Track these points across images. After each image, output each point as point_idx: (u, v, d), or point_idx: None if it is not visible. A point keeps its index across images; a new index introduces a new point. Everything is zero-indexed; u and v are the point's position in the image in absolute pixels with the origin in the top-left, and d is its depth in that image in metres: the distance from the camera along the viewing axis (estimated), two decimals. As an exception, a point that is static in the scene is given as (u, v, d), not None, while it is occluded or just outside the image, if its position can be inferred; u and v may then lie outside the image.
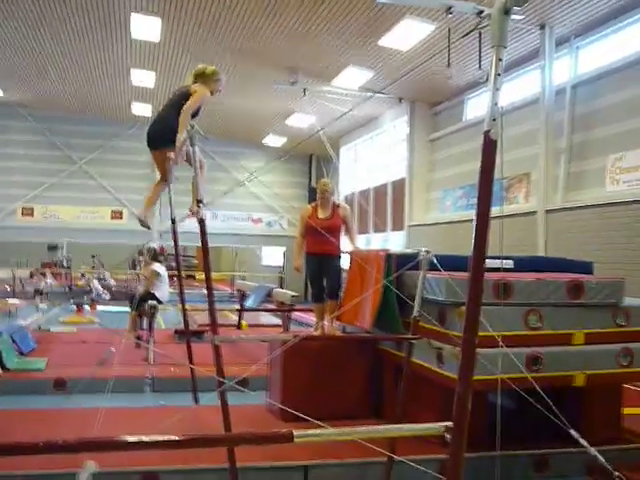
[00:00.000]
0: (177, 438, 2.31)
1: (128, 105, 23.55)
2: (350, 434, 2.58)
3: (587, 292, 5.85)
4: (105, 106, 24.26)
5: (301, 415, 3.52)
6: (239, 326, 14.10)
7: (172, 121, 5.19)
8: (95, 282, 23.31)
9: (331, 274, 7.41)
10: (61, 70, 19.72)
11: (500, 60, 2.39)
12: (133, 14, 14.71)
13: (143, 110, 23.85)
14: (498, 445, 3.61)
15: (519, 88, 14.70)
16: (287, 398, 6.60)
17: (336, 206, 7.45)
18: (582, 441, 4.44)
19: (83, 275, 25.82)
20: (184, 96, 5.44)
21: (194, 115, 5.35)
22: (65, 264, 33.00)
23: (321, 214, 7.36)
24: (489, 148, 2.43)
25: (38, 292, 19.58)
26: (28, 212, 26.26)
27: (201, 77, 5.67)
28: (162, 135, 5.36)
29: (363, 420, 6.47)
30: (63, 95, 22.96)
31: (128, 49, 17.36)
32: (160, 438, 2.34)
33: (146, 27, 15.36)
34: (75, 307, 18.43)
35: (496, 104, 2.41)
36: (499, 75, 2.42)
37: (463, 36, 11.03)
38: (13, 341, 10.23)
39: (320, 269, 7.44)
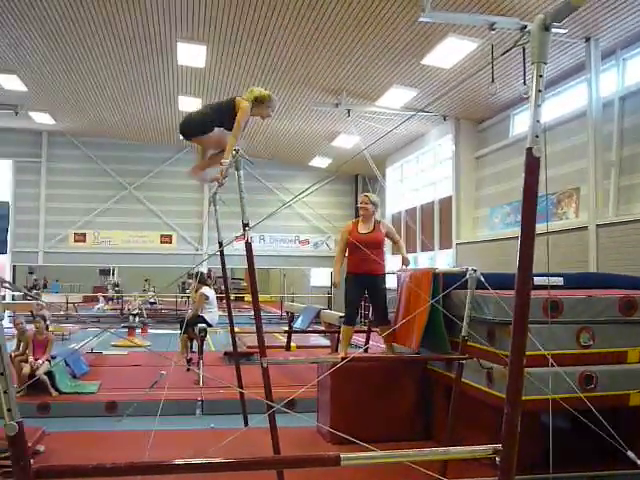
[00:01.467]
0: (224, 461, 2.32)
1: (175, 131, 23.92)
2: (398, 457, 2.56)
3: (640, 309, 5.72)
4: (153, 132, 24.75)
5: (350, 438, 3.49)
6: (288, 348, 14.11)
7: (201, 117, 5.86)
8: (139, 306, 23.63)
9: (378, 296, 7.12)
10: (111, 98, 20.20)
11: (541, 76, 2.37)
12: (179, 43, 15.01)
13: (190, 135, 24.21)
14: (551, 466, 3.53)
15: (566, 102, 14.51)
16: (336, 420, 6.58)
17: (377, 222, 7.18)
18: (639, 462, 4.32)
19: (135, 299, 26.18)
20: (228, 107, 5.69)
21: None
22: (116, 288, 33.65)
23: (362, 229, 7.07)
24: (532, 165, 2.40)
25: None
26: (80, 238, 26.82)
27: (255, 100, 5.84)
28: (191, 128, 5.94)
29: (413, 442, 6.41)
30: (112, 122, 23.50)
31: (175, 77, 17.70)
32: (208, 461, 2.36)
33: (191, 54, 15.65)
34: (127, 330, 18.69)
35: (538, 121, 2.38)
36: (540, 92, 2.39)
37: (504, 52, 10.98)
38: (67, 364, 10.42)
39: (362, 290, 7.14)
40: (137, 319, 19.92)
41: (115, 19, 14.01)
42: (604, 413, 4.28)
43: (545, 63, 2.36)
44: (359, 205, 7.20)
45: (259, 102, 5.86)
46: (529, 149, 2.39)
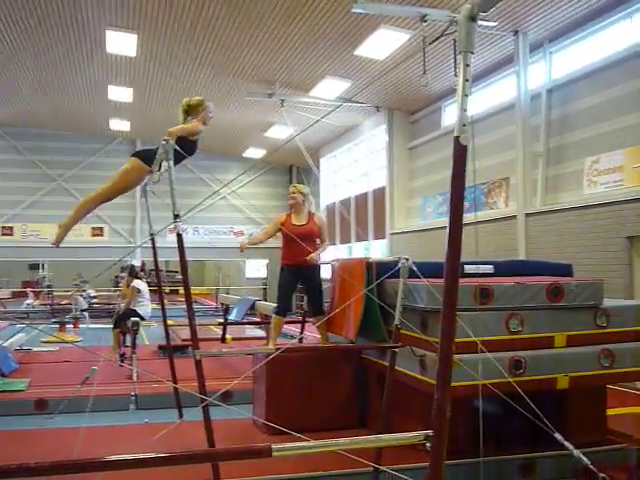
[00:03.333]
0: (154, 456, 2.28)
1: (106, 121, 23.47)
2: (330, 446, 2.56)
3: (567, 294, 5.87)
4: (83, 122, 24.17)
5: (285, 429, 3.49)
6: (223, 340, 14.03)
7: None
8: (80, 299, 23.10)
9: (313, 287, 7.19)
10: (37, 87, 19.62)
11: (468, 66, 2.39)
12: (108, 31, 14.67)
13: (121, 126, 23.80)
14: (481, 451, 3.60)
15: (495, 94, 14.81)
16: (272, 411, 6.57)
17: (312, 214, 7.16)
18: (567, 444, 4.45)
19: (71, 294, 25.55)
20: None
21: (190, 153, 5.43)
22: (46, 282, 32.78)
23: (296, 220, 7.06)
24: (460, 154, 2.44)
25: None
26: (7, 231, 26.03)
27: (189, 111, 5.74)
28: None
29: (350, 430, 6.44)
30: (40, 112, 22.85)
31: (104, 65, 17.31)
32: (139, 456, 2.31)
33: (122, 43, 15.33)
34: (58, 326, 18.24)
35: (465, 110, 2.41)
36: (467, 81, 2.42)
37: (432, 41, 11.12)
38: (-6, 362, 10.12)
39: (296, 282, 7.20)
40: (85, 314, 19.65)
41: (42, 4, 13.58)
42: (533, 397, 4.39)
43: (472, 52, 2.39)
44: (289, 199, 7.18)
45: (193, 109, 5.76)
46: (456, 137, 2.42)
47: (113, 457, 2.25)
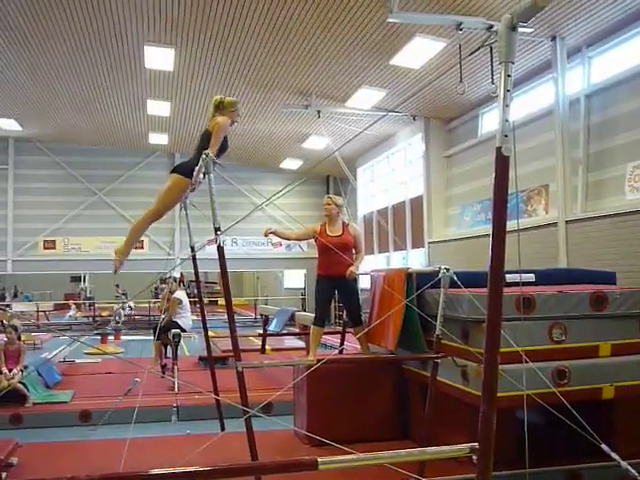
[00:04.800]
0: (203, 469, 2.30)
1: (145, 135, 23.78)
2: (374, 459, 2.55)
3: (611, 303, 5.79)
4: (122, 137, 24.54)
5: (327, 441, 3.49)
6: (263, 351, 14.08)
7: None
8: (121, 312, 23.45)
9: (351, 298, 7.15)
10: (78, 103, 19.97)
11: (509, 76, 2.38)
12: (147, 46, 14.89)
13: (160, 139, 24.10)
14: (527, 462, 3.56)
15: (533, 100, 14.66)
16: (313, 422, 6.57)
17: (346, 225, 7.11)
18: (613, 455, 4.37)
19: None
20: (206, 137, 5.73)
21: (222, 150, 5.66)
22: (88, 295, 33.30)
23: (331, 231, 7.00)
24: (502, 164, 2.42)
25: None
26: (50, 245, 26.49)
27: (219, 108, 5.90)
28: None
29: (391, 442, 6.42)
30: (80, 128, 23.24)
31: (143, 80, 17.57)
32: (185, 470, 2.34)
33: (160, 58, 15.54)
34: (99, 338, 18.50)
35: (507, 120, 2.40)
36: (508, 91, 2.41)
37: (472, 53, 11.06)
38: (39, 374, 10.29)
39: (332, 292, 7.16)
40: (120, 324, 19.93)
41: (81, 22, 13.84)
42: (577, 407, 4.32)
43: (513, 63, 2.38)
44: (323, 207, 7.16)
45: (224, 108, 5.93)
46: (498, 148, 2.41)
47: (162, 470, 2.27)
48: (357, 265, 6.96)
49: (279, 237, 7.32)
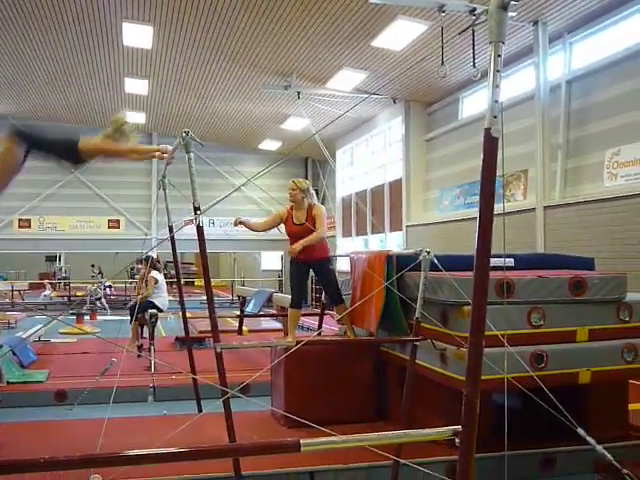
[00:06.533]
0: (183, 450, 2.27)
1: (122, 114, 23.46)
2: (359, 441, 2.54)
3: (590, 288, 5.82)
4: (100, 115, 24.20)
5: (305, 421, 3.47)
6: (240, 332, 14.07)
7: None
8: (99, 291, 23.31)
9: (326, 278, 7.15)
10: (54, 81, 19.67)
11: (499, 56, 2.35)
12: (125, 23, 14.67)
13: (137, 118, 23.82)
14: (506, 445, 3.57)
15: (514, 85, 14.67)
16: (290, 403, 6.56)
17: (311, 207, 6.91)
18: (589, 439, 4.40)
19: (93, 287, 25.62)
20: None
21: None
22: (63, 274, 33.00)
23: (295, 219, 6.90)
24: (491, 146, 2.39)
25: None
26: (25, 224, 26.20)
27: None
28: None
29: (368, 423, 6.44)
30: (57, 106, 22.91)
31: (120, 58, 17.32)
32: (165, 451, 2.30)
33: (138, 35, 15.33)
34: (74, 317, 18.35)
35: (496, 101, 2.37)
36: (498, 72, 2.38)
37: (459, 33, 11.01)
38: (13, 354, 10.17)
39: (306, 274, 7.17)
40: (99, 304, 19.76)
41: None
42: (554, 392, 4.35)
43: (503, 42, 2.35)
44: (287, 192, 7.01)
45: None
46: (487, 129, 2.38)
47: (142, 451, 2.23)
48: (302, 243, 6.70)
49: (248, 228, 7.14)
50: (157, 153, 5.74)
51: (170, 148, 5.65)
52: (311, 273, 7.31)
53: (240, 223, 6.78)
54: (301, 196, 6.91)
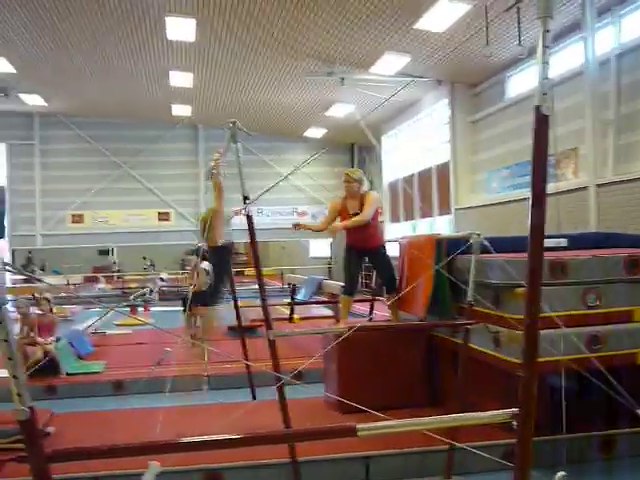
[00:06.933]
0: (240, 437, 2.29)
1: (168, 107, 23.75)
2: (415, 425, 2.53)
3: (646, 267, 5.68)
4: (146, 109, 24.55)
5: (359, 406, 3.48)
6: (291, 319, 14.12)
7: None
8: (158, 282, 23.72)
9: (381, 266, 7.14)
10: (101, 77, 19.99)
11: (548, 32, 2.29)
12: (167, 17, 14.80)
13: (183, 111, 24.07)
14: (564, 428, 3.52)
15: (562, 61, 14.34)
16: (344, 389, 6.57)
17: (363, 195, 6.86)
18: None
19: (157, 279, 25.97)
20: None
21: None
22: (116, 267, 33.62)
23: (350, 209, 6.86)
24: (541, 124, 2.34)
25: None
26: (78, 219, 26.76)
27: None
28: None
29: (421, 408, 6.42)
30: (104, 101, 23.30)
31: (165, 51, 17.50)
32: (222, 437, 2.33)
33: (181, 28, 15.46)
34: (129, 309, 18.68)
35: (546, 78, 2.32)
36: (547, 47, 2.32)
37: (505, 10, 10.78)
38: (72, 346, 10.42)
39: (360, 261, 7.15)
40: (154, 294, 20.09)
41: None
42: (611, 373, 4.26)
43: (551, 17, 2.29)
44: (343, 184, 6.94)
45: None
46: (537, 107, 2.33)
47: (199, 438, 2.26)
48: (345, 224, 6.75)
49: (309, 230, 7.11)
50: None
51: (221, 151, 5.66)
52: (365, 261, 7.30)
53: (299, 227, 6.77)
54: (357, 186, 6.85)
